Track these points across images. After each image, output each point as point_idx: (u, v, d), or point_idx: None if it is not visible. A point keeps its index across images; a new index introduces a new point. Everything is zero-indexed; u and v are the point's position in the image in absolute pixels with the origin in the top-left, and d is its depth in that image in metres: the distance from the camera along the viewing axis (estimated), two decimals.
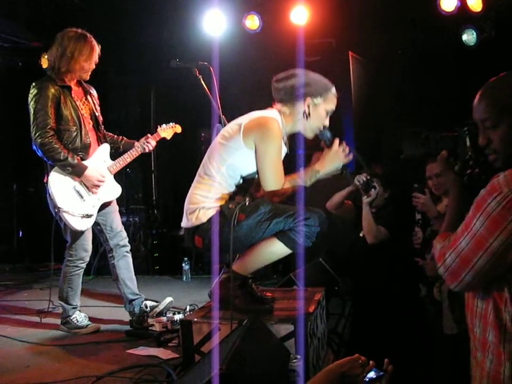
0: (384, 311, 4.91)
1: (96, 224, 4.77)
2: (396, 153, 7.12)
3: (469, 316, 2.29)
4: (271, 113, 3.61)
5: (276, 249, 3.47)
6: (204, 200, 3.57)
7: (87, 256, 4.77)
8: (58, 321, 4.79)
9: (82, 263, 4.75)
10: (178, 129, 5.30)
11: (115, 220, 4.92)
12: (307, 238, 3.41)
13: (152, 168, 8.89)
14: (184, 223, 3.66)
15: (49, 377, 3.50)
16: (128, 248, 4.99)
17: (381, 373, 2.43)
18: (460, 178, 2.36)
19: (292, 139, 3.81)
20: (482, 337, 2.20)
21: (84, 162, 4.58)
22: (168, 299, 4.91)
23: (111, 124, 7.73)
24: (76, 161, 4.48)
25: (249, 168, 3.58)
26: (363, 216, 5.43)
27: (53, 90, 4.47)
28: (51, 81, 4.52)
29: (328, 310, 4.40)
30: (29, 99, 4.52)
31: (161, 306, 4.83)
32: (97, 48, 4.69)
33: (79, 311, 4.76)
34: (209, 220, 3.52)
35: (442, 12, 6.56)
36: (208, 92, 4.67)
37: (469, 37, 6.76)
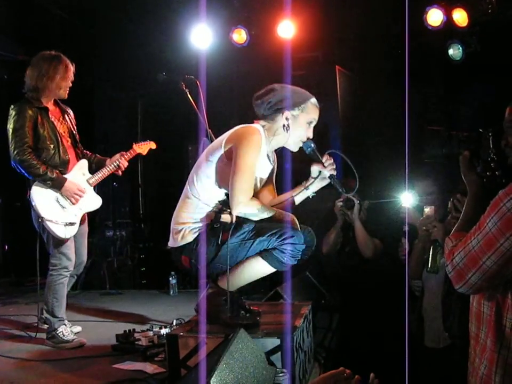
0: (371, 324, 4.92)
1: None
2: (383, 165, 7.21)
3: (475, 322, 2.28)
4: (255, 125, 3.62)
5: (260, 268, 3.47)
6: (189, 220, 3.59)
7: (70, 265, 4.80)
8: (44, 336, 4.74)
9: (66, 271, 4.78)
10: (153, 145, 5.41)
11: (83, 242, 5.07)
12: (292, 257, 3.41)
13: (139, 182, 8.88)
14: (170, 243, 3.68)
15: None
16: (79, 273, 5.21)
17: None
18: (481, 179, 2.35)
19: (280, 155, 3.83)
20: (484, 343, 2.20)
21: (64, 175, 4.73)
22: (78, 328, 4.97)
23: (98, 138, 7.75)
24: (54, 175, 4.64)
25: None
26: (356, 232, 5.47)
27: (30, 111, 4.65)
28: (28, 103, 4.69)
29: (315, 324, 4.39)
30: (8, 120, 4.70)
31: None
32: (71, 67, 4.83)
33: (65, 324, 4.75)
34: (195, 240, 3.54)
35: (429, 27, 6.59)
36: (194, 105, 4.69)
37: (455, 51, 6.79)
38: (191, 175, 3.67)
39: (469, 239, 2.12)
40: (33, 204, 4.64)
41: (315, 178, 3.71)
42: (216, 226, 3.51)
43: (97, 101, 8.58)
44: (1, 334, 5.05)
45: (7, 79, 8.64)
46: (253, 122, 3.70)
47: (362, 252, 5.50)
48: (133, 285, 8.04)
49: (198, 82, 4.74)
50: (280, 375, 2.87)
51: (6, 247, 8.86)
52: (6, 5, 7.28)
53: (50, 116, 4.77)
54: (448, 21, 6.55)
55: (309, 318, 3.96)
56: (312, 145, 3.67)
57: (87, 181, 4.93)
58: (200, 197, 3.57)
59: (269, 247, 3.41)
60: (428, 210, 4.45)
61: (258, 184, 3.73)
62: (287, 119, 3.63)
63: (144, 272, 8.31)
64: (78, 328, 4.98)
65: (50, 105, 4.83)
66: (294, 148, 3.72)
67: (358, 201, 5.46)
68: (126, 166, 5.14)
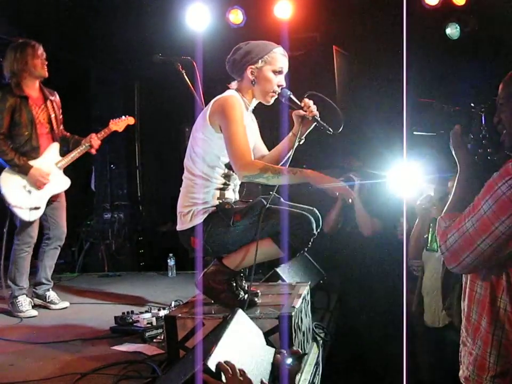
0: (370, 304, 4.93)
1: (44, 214, 5.27)
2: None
3: (467, 301, 2.28)
4: (228, 92, 3.66)
5: (269, 250, 3.44)
6: (196, 201, 3.57)
7: (31, 241, 5.27)
8: (41, 319, 4.92)
9: (27, 247, 5.25)
10: (131, 121, 5.72)
11: (60, 215, 5.45)
12: (303, 242, 3.41)
13: (137, 164, 8.85)
14: (179, 226, 3.65)
15: (34, 375, 3.46)
16: (61, 243, 5.52)
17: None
18: (471, 156, 2.34)
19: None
20: (477, 323, 2.20)
21: (32, 161, 5.13)
22: (66, 304, 5.41)
23: (94, 121, 7.72)
24: (21, 162, 5.06)
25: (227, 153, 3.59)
26: (356, 210, 5.48)
27: (10, 100, 5.05)
28: (10, 92, 5.09)
29: (314, 304, 4.40)
30: None
31: (55, 306, 5.36)
32: (38, 46, 5.19)
33: (25, 294, 5.20)
34: (205, 221, 3.52)
35: (426, 6, 6.56)
36: (191, 86, 4.67)
37: (452, 30, 6.77)
38: (187, 157, 3.66)
39: (463, 221, 2.11)
40: (1, 192, 5.05)
41: (299, 125, 3.70)
42: (228, 207, 3.52)
43: (93, 83, 8.54)
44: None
45: (0, 62, 8.59)
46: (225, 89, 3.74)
47: (362, 230, 5.51)
48: (131, 267, 8.04)
49: (194, 63, 4.72)
50: (279, 355, 2.87)
51: None
52: None
53: (30, 103, 5.15)
54: (446, 0, 6.52)
55: (307, 298, 3.96)
56: (288, 93, 3.66)
57: (56, 164, 5.31)
58: (203, 174, 3.56)
59: (280, 230, 3.38)
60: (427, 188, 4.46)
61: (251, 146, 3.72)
62: (252, 73, 3.65)
63: (143, 254, 8.31)
64: (65, 304, 5.40)
65: (33, 92, 5.22)
66: (267, 99, 3.70)
67: (358, 181, 5.46)
68: (99, 145, 5.48)
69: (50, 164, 5.27)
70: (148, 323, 4.24)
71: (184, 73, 4.75)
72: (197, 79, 4.63)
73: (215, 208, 3.53)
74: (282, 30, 6.39)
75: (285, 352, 2.83)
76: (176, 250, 7.33)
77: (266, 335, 3.19)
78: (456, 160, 2.38)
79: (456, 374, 2.35)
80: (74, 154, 5.39)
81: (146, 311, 4.52)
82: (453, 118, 2.46)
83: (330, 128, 3.63)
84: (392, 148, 6.90)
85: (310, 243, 3.44)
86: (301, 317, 3.59)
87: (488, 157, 2.30)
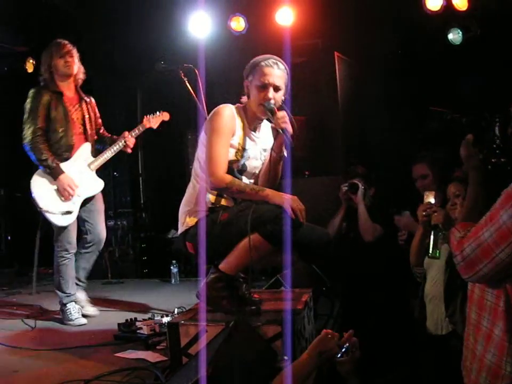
0: (373, 311, 4.92)
1: (80, 219, 5.16)
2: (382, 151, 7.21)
3: (476, 308, 2.27)
4: (224, 104, 3.68)
5: (258, 244, 3.41)
6: (191, 205, 3.65)
7: (71, 247, 5.09)
8: (47, 324, 4.97)
9: (67, 253, 5.07)
10: (166, 117, 5.50)
11: (97, 218, 5.30)
12: (286, 231, 3.35)
13: (140, 171, 8.87)
14: (179, 231, 3.71)
15: (37, 382, 3.49)
16: (100, 248, 5.38)
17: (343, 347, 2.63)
18: (483, 166, 2.32)
19: None
20: (489, 331, 2.19)
21: (64, 163, 4.98)
22: (94, 312, 5.27)
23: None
24: (54, 164, 4.90)
25: None
26: (359, 215, 5.47)
27: (46, 95, 4.97)
28: (45, 88, 5.03)
29: (317, 311, 4.40)
30: (26, 102, 5.02)
31: (85, 311, 5.20)
32: (65, 43, 5.10)
33: (75, 301, 5.09)
34: (196, 224, 3.55)
35: (428, 11, 6.57)
36: (193, 94, 4.69)
37: (454, 36, 6.76)
38: (194, 161, 3.77)
39: (480, 230, 2.10)
40: (32, 195, 4.89)
41: (275, 137, 3.73)
42: (217, 207, 3.57)
43: (96, 91, 8.56)
44: (5, 323, 5.07)
45: (7, 70, 8.63)
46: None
47: (363, 235, 5.50)
48: (135, 274, 8.04)
49: (196, 70, 4.75)
50: (281, 362, 2.88)
51: (9, 237, 8.90)
52: None
53: (65, 101, 5.06)
54: (448, 5, 6.52)
55: (310, 305, 3.97)
56: (271, 105, 3.60)
57: (88, 165, 5.15)
58: (200, 180, 3.64)
59: (264, 220, 3.38)
60: (428, 194, 4.44)
61: (242, 154, 3.73)
62: (247, 87, 3.72)
63: (146, 261, 8.30)
64: (95, 312, 5.27)
65: (69, 92, 5.14)
66: (261, 114, 3.70)
67: (363, 187, 5.44)
68: (133, 143, 5.32)
69: (83, 165, 5.12)
70: (151, 330, 4.24)
71: (186, 81, 4.78)
72: (199, 86, 4.66)
73: (206, 212, 3.58)
74: (284, 37, 6.40)
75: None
76: (179, 257, 7.34)
77: (269, 341, 3.20)
78: (467, 169, 2.37)
79: (460, 382, 2.35)
80: (107, 155, 5.22)
81: (150, 318, 4.52)
82: (465, 128, 2.45)
83: (290, 145, 3.53)
84: (395, 153, 6.93)
85: (292, 234, 3.38)
86: (304, 324, 3.60)
87: (502, 167, 2.29)
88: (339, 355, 2.63)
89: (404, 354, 4.04)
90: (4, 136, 8.37)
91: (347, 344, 2.66)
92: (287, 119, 3.55)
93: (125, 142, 5.24)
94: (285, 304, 3.74)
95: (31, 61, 7.81)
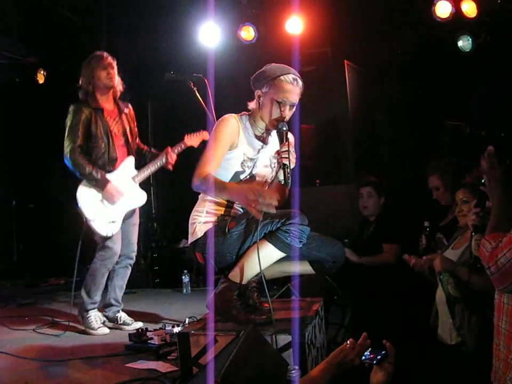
0: (385, 320, 4.89)
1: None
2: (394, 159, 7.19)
3: (507, 319, 2.25)
4: (228, 114, 3.67)
5: (267, 252, 3.41)
6: (200, 215, 3.65)
7: (115, 257, 5.12)
8: (55, 337, 4.91)
9: (110, 263, 5.12)
10: (206, 136, 5.33)
11: (133, 233, 5.35)
12: (296, 238, 3.37)
13: (151, 181, 8.87)
14: (188, 241, 3.72)
15: None
16: (133, 261, 5.41)
17: (383, 352, 2.60)
18: (506, 177, 2.31)
19: None
20: (508, 333, 2.17)
21: (108, 175, 5.03)
22: (139, 324, 5.13)
23: None
24: (99, 175, 4.96)
25: (227, 173, 3.65)
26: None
27: (85, 111, 5.00)
28: (84, 104, 5.04)
29: (328, 320, 4.38)
30: (67, 118, 5.05)
31: (129, 327, 5.11)
32: (105, 55, 5.15)
33: (97, 309, 5.14)
34: (205, 234, 3.55)
35: (437, 19, 6.56)
36: (203, 103, 4.70)
37: (464, 43, 6.75)
38: None
39: None
40: (78, 205, 4.95)
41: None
42: (226, 219, 3.56)
43: None
44: (16, 335, 5.08)
45: (18, 82, 8.67)
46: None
47: (387, 259, 5.50)
48: (146, 284, 8.04)
49: (206, 80, 4.76)
50: (292, 372, 2.85)
51: (21, 247, 8.92)
52: (15, 9, 7.30)
53: (105, 116, 5.09)
54: (457, 12, 6.51)
55: (321, 314, 3.94)
56: (284, 128, 3.55)
57: (133, 178, 5.20)
58: None
59: (273, 229, 3.38)
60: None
61: (249, 164, 3.72)
62: (259, 97, 3.65)
63: (157, 271, 8.31)
64: (139, 324, 5.15)
65: (108, 105, 5.17)
66: (271, 127, 3.66)
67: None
68: (175, 160, 5.32)
69: (127, 178, 5.16)
70: (162, 340, 4.23)
71: (196, 90, 4.79)
72: (208, 95, 4.67)
73: (215, 221, 3.58)
74: (294, 46, 6.41)
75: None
76: (191, 267, 7.34)
77: (280, 351, 3.18)
78: (488, 179, 2.36)
79: None
80: (151, 169, 5.26)
81: (161, 328, 4.52)
82: (484, 141, 2.44)
83: (286, 181, 3.47)
84: (406, 162, 6.91)
85: (304, 242, 3.41)
86: (315, 333, 3.57)
87: None
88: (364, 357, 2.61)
89: (419, 363, 4.01)
90: (16, 147, 8.40)
91: (383, 352, 2.62)
92: (288, 154, 3.48)
93: (167, 158, 5.24)
94: (295, 313, 3.72)
95: (42, 72, 7.86)
